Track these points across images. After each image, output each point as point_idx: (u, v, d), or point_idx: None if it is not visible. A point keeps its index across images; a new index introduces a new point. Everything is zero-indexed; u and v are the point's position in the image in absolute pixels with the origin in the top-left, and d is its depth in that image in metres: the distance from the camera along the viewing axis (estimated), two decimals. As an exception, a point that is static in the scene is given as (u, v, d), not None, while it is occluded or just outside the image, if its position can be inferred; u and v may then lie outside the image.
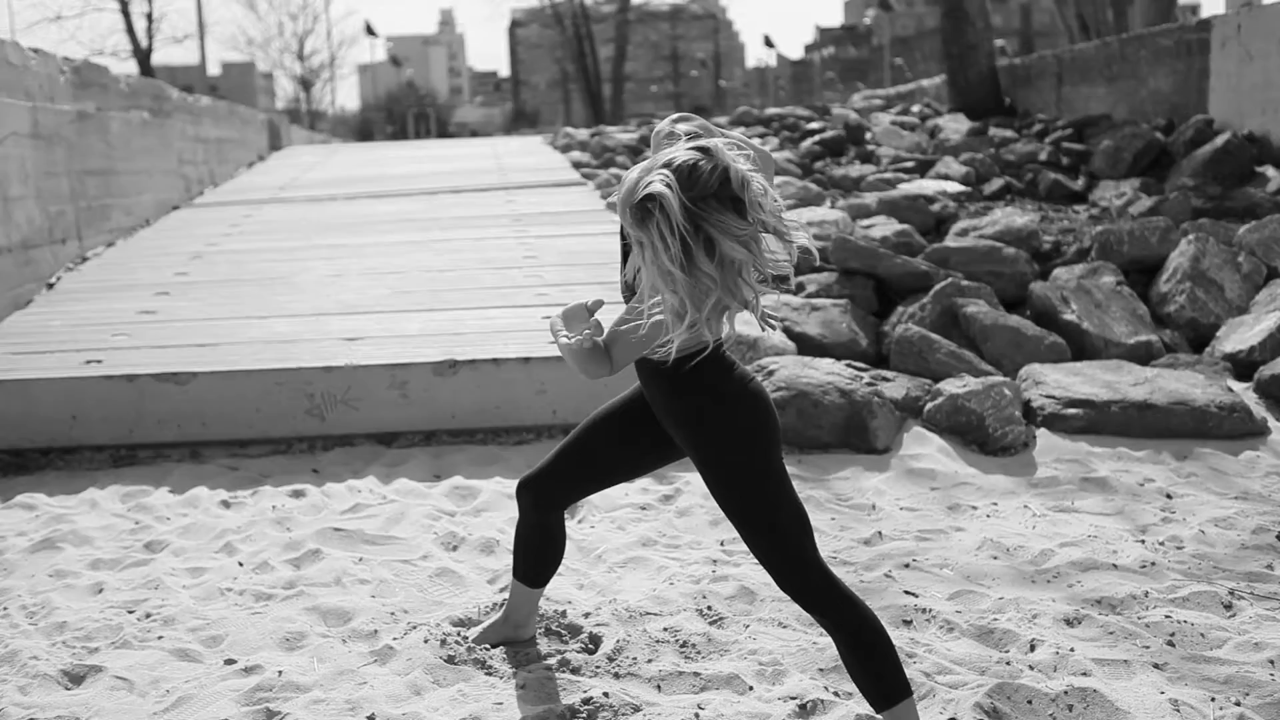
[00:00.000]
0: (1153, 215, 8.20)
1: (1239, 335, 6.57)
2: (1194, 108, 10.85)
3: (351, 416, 5.74)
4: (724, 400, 2.86)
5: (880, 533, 4.51)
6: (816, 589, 2.82)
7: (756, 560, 2.93)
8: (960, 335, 6.60)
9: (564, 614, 3.77)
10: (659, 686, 3.30)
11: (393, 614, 3.80)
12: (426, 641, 3.55)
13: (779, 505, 2.84)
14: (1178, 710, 3.08)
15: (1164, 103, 11.50)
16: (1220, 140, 9.39)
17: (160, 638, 3.68)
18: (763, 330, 2.66)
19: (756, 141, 2.66)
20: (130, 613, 3.89)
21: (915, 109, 15.84)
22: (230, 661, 3.49)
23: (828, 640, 3.49)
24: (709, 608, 3.81)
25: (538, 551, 3.41)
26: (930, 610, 3.75)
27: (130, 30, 37.10)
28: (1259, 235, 7.47)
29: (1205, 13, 58.98)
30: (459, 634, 3.64)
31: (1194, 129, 10.03)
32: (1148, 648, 3.48)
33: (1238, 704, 3.13)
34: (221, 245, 9.65)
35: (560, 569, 4.16)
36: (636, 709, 3.14)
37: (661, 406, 2.98)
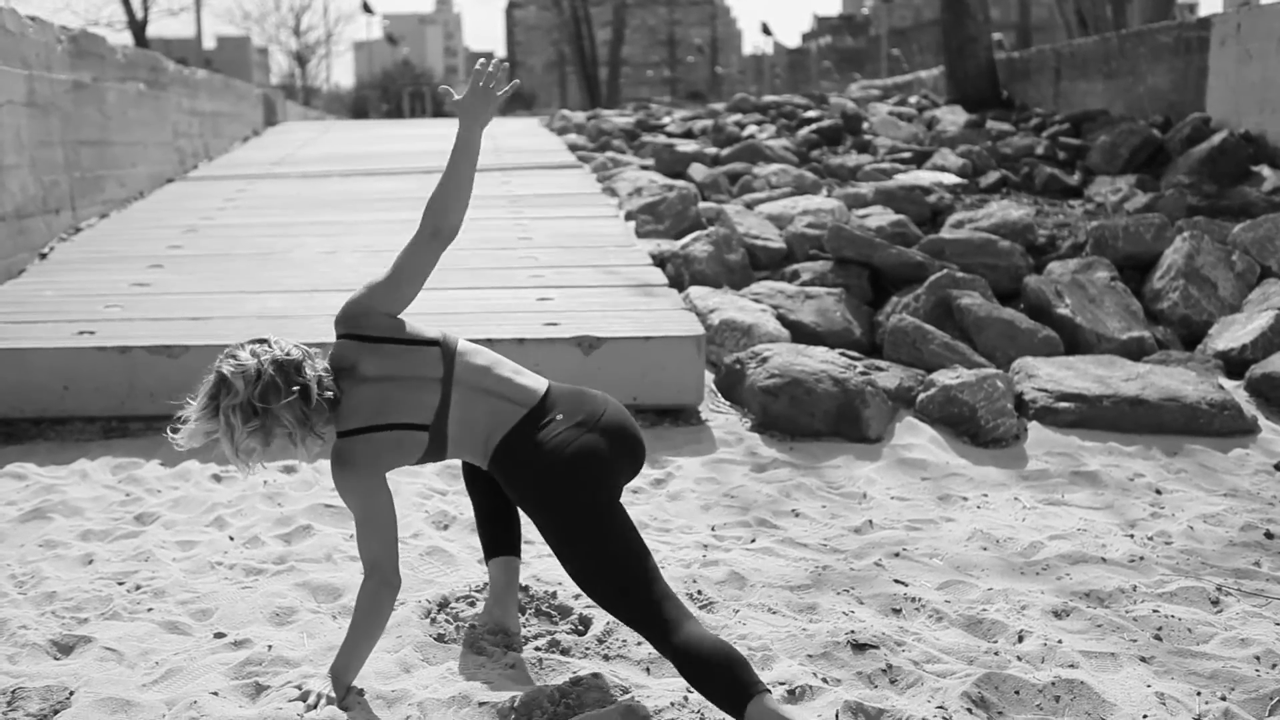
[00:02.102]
0: (1148, 212, 8.22)
1: (1231, 333, 6.59)
2: (1191, 105, 10.86)
3: (344, 393, 5.72)
4: (534, 471, 2.99)
5: (871, 521, 4.52)
6: (663, 634, 2.88)
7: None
8: (954, 327, 6.61)
9: (554, 595, 3.77)
10: (648, 669, 3.30)
11: (383, 591, 3.80)
12: (417, 619, 3.55)
13: (616, 559, 2.94)
14: (1164, 704, 3.09)
15: (1161, 100, 11.51)
16: (1217, 139, 9.41)
17: (150, 610, 3.68)
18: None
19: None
20: (120, 584, 3.88)
21: (913, 100, 15.83)
22: (220, 635, 3.49)
23: (817, 627, 3.51)
24: (699, 592, 3.82)
25: (478, 522, 3.49)
26: (919, 599, 3.76)
27: (126, 1, 36.92)
28: (1253, 234, 7.49)
29: (1203, 11, 59.02)
30: (449, 612, 3.65)
31: (1191, 127, 10.05)
32: (1135, 641, 3.49)
33: (1223, 698, 3.14)
34: (216, 219, 9.62)
35: (550, 551, 4.16)
36: (626, 691, 3.14)
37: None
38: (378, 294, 3.14)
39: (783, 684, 3.18)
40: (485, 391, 3.09)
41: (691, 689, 2.96)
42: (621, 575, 2.94)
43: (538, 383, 3.17)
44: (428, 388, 3.06)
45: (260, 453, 2.98)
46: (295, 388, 2.92)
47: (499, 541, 3.47)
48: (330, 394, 3.00)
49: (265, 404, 2.89)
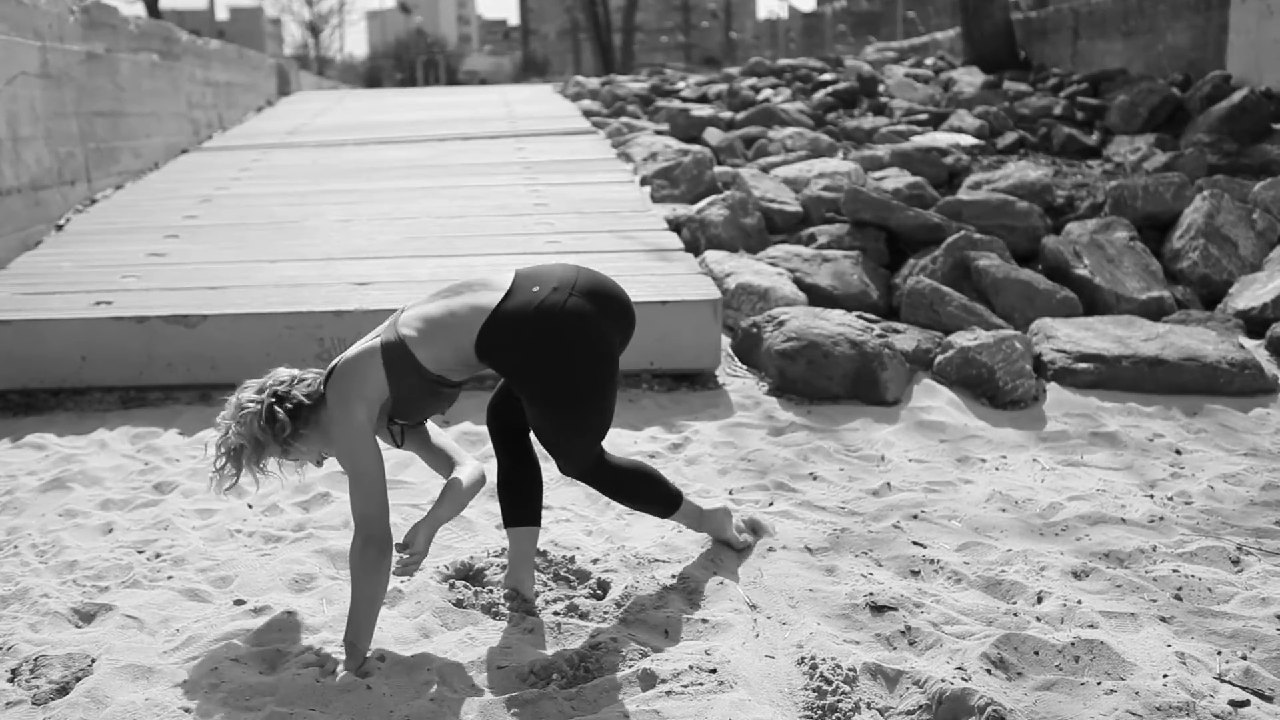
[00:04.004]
0: (1167, 171, 8.15)
1: (1252, 292, 6.54)
2: (1212, 63, 10.74)
3: (360, 361, 5.73)
4: (526, 336, 3.09)
5: (889, 484, 4.51)
6: (593, 472, 3.33)
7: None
8: (971, 288, 6.57)
9: (572, 560, 3.78)
10: (666, 632, 3.31)
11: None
12: (435, 585, 3.56)
13: (602, 415, 3.23)
14: (1184, 663, 3.08)
15: (1181, 58, 11.39)
16: (1237, 96, 9.30)
17: (170, 578, 3.70)
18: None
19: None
20: (140, 553, 3.90)
21: (929, 62, 15.71)
22: (240, 602, 3.51)
23: (835, 589, 3.50)
24: (718, 555, 3.82)
25: (500, 485, 3.51)
26: (938, 561, 3.76)
27: (138, -28, 36.77)
28: (1274, 192, 7.42)
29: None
30: (468, 578, 3.65)
31: (1211, 85, 9.94)
32: (1155, 601, 3.48)
33: (1244, 657, 3.13)
34: (231, 189, 9.62)
35: (569, 515, 4.17)
36: (644, 654, 3.15)
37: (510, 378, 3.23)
38: None
39: (800, 646, 3.18)
40: (445, 299, 3.20)
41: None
42: (596, 436, 3.26)
43: (504, 274, 3.26)
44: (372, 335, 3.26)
45: (259, 473, 3.24)
46: (252, 402, 3.19)
47: (520, 511, 3.46)
48: (299, 393, 3.23)
49: (239, 419, 3.16)
